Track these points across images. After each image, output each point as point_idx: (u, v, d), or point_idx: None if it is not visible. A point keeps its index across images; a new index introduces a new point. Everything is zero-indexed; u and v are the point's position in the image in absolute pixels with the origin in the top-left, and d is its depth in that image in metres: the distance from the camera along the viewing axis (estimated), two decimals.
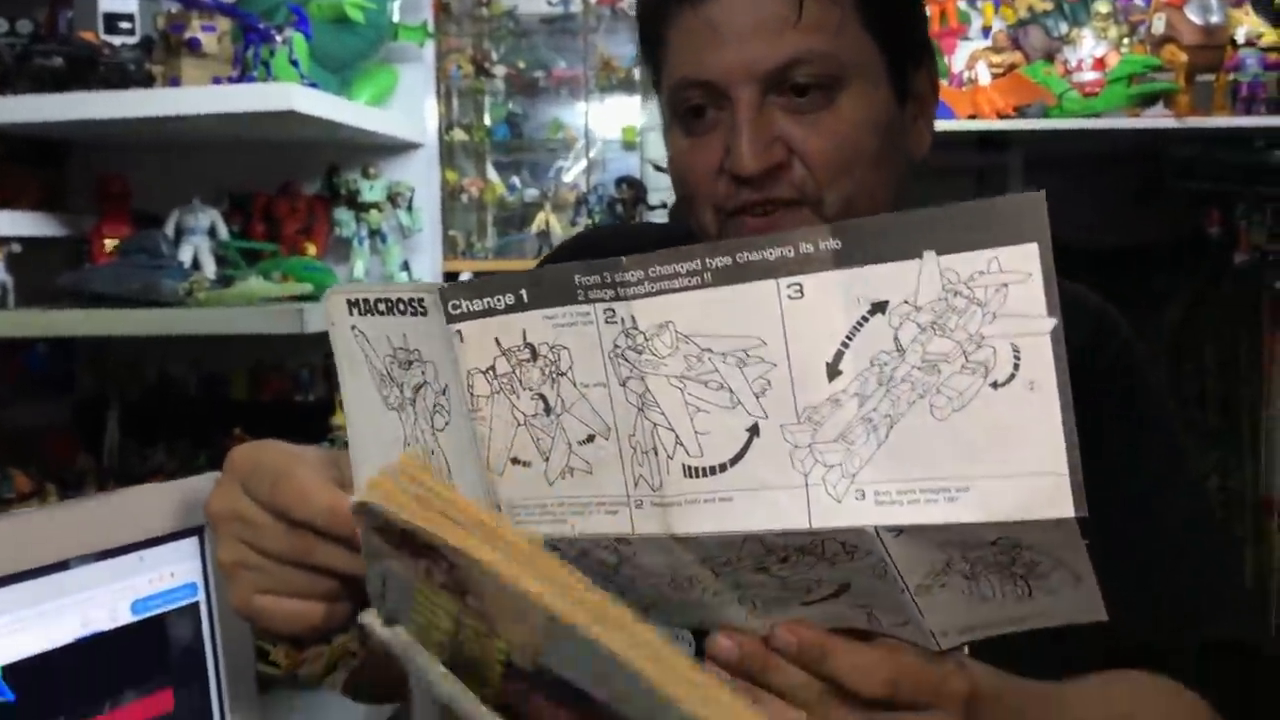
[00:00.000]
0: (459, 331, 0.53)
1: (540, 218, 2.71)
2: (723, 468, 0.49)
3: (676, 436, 0.50)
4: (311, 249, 2.04)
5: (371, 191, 2.05)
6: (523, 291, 0.51)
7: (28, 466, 1.90)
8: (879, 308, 0.46)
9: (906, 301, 0.45)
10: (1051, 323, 0.44)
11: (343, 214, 2.05)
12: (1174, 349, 2.64)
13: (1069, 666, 0.72)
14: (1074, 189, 2.63)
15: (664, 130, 0.89)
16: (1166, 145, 2.29)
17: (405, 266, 2.10)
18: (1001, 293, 0.44)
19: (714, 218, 0.84)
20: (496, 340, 0.53)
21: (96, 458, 2.10)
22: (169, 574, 0.71)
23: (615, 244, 1.07)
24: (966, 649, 0.58)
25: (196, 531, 0.73)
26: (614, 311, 0.49)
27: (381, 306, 0.55)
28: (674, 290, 0.48)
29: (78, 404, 2.24)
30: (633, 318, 0.49)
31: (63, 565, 0.65)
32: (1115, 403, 0.88)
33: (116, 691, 0.67)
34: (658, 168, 2.46)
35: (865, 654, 0.54)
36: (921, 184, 2.65)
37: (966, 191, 2.53)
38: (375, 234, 2.07)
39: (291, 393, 2.18)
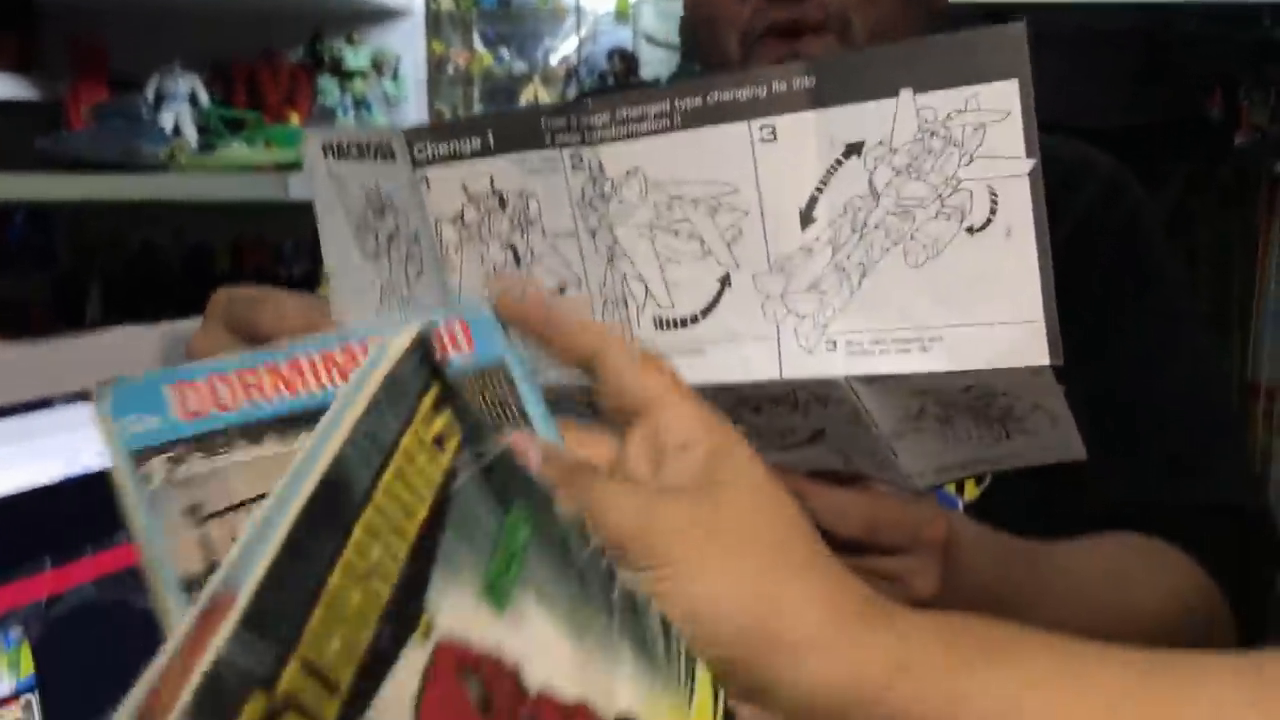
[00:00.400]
0: (425, 178, 0.51)
1: (529, 91, 2.65)
2: (694, 319, 0.48)
3: (646, 287, 0.48)
4: (295, 118, 2.00)
5: (356, 59, 2.00)
6: (489, 134, 0.49)
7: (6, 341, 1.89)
8: (854, 150, 0.44)
9: (881, 143, 0.43)
10: (1030, 164, 0.43)
11: (326, 82, 2.01)
12: (1168, 232, 2.63)
13: (1061, 532, 0.72)
14: (1075, 68, 2.59)
15: None
16: (1172, 21, 2.24)
17: None
18: (979, 133, 0.42)
19: (739, 44, 0.81)
20: (464, 187, 0.51)
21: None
22: None
23: None
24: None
25: None
26: (581, 157, 0.48)
27: (354, 151, 0.54)
28: (642, 134, 0.46)
29: (58, 278, 2.21)
30: (600, 164, 0.47)
31: (46, 403, 0.63)
32: (1123, 262, 0.87)
33: (101, 534, 0.66)
34: (651, 40, 2.40)
35: (842, 496, 0.54)
36: None
37: None
38: (360, 104, 2.03)
39: (275, 266, 2.16)
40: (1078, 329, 0.87)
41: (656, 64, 2.59)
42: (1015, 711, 0.34)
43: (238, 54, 2.01)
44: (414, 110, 2.11)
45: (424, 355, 0.26)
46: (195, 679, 0.20)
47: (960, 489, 0.79)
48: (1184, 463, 0.85)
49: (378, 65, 2.03)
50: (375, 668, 0.23)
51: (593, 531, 0.34)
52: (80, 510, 0.65)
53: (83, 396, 0.68)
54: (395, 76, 2.04)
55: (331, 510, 0.23)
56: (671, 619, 0.34)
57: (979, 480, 0.78)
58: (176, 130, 1.82)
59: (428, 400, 0.26)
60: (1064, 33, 2.39)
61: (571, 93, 2.56)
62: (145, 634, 0.67)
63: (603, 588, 0.31)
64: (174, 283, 2.19)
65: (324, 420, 0.24)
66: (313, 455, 0.23)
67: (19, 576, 0.61)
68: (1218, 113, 2.40)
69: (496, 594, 0.26)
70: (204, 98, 1.88)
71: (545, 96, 2.59)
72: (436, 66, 2.24)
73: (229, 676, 0.20)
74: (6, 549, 0.60)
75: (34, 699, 0.60)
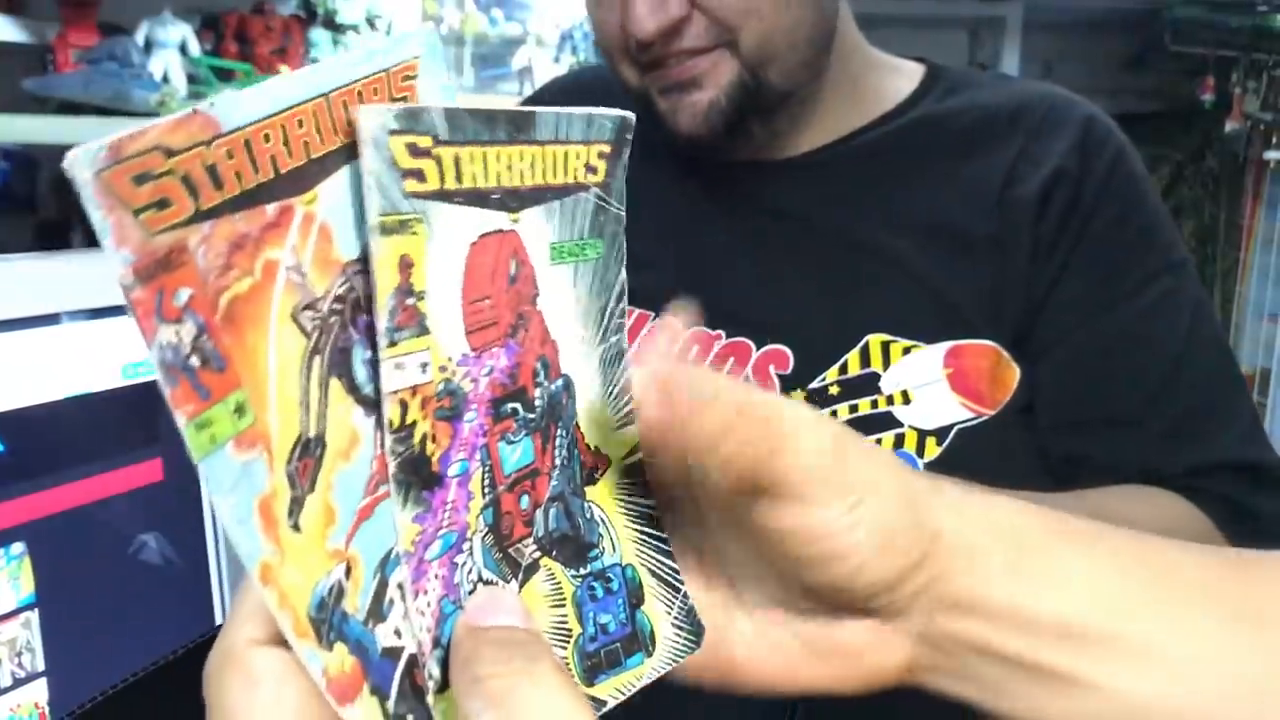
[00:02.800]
0: None
1: (522, 53, 2.63)
2: None
3: None
4: (286, 70, 1.97)
5: (350, 11, 1.97)
6: None
7: None
8: None
9: None
10: None
11: (319, 35, 1.98)
12: None
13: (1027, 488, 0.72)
14: (1069, 52, 2.59)
15: None
16: (1167, 6, 2.24)
17: None
18: None
19: (634, 72, 0.80)
20: None
21: None
22: None
23: (604, 90, 1.02)
24: None
25: None
26: None
27: None
28: None
29: (40, 224, 2.18)
30: None
31: (54, 319, 0.62)
32: (1109, 226, 0.84)
33: (107, 454, 0.65)
34: None
35: None
36: (915, 34, 2.62)
37: (959, 46, 2.47)
38: None
39: None
40: (1069, 284, 0.84)
41: None
42: (1106, 596, 0.34)
43: (228, 4, 1.98)
44: None
45: (619, 125, 0.35)
46: (402, 107, 0.29)
47: (921, 449, 0.77)
48: (1191, 424, 0.83)
49: (370, 20, 2.00)
50: (480, 199, 0.31)
51: (765, 459, 0.32)
52: (87, 430, 0.64)
53: (92, 315, 0.67)
54: (388, 33, 2.02)
55: (522, 125, 0.32)
56: (857, 549, 0.33)
57: (940, 438, 0.77)
58: (165, 79, 1.79)
59: (600, 146, 0.34)
60: (1055, 18, 2.39)
61: (565, 57, 2.54)
62: (150, 555, 0.66)
63: (605, 338, 0.36)
64: None
65: None
66: (338, 79, 0.30)
67: (20, 494, 0.60)
68: (1210, 100, 2.41)
69: (556, 252, 0.34)
70: (194, 47, 1.85)
71: (541, 59, 2.57)
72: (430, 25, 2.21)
73: (426, 120, 0.30)
74: (12, 464, 0.59)
75: (34, 616, 0.59)
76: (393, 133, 0.29)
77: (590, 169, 0.34)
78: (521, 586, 0.33)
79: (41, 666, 0.60)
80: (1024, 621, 0.34)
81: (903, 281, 0.80)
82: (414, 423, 0.30)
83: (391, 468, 0.30)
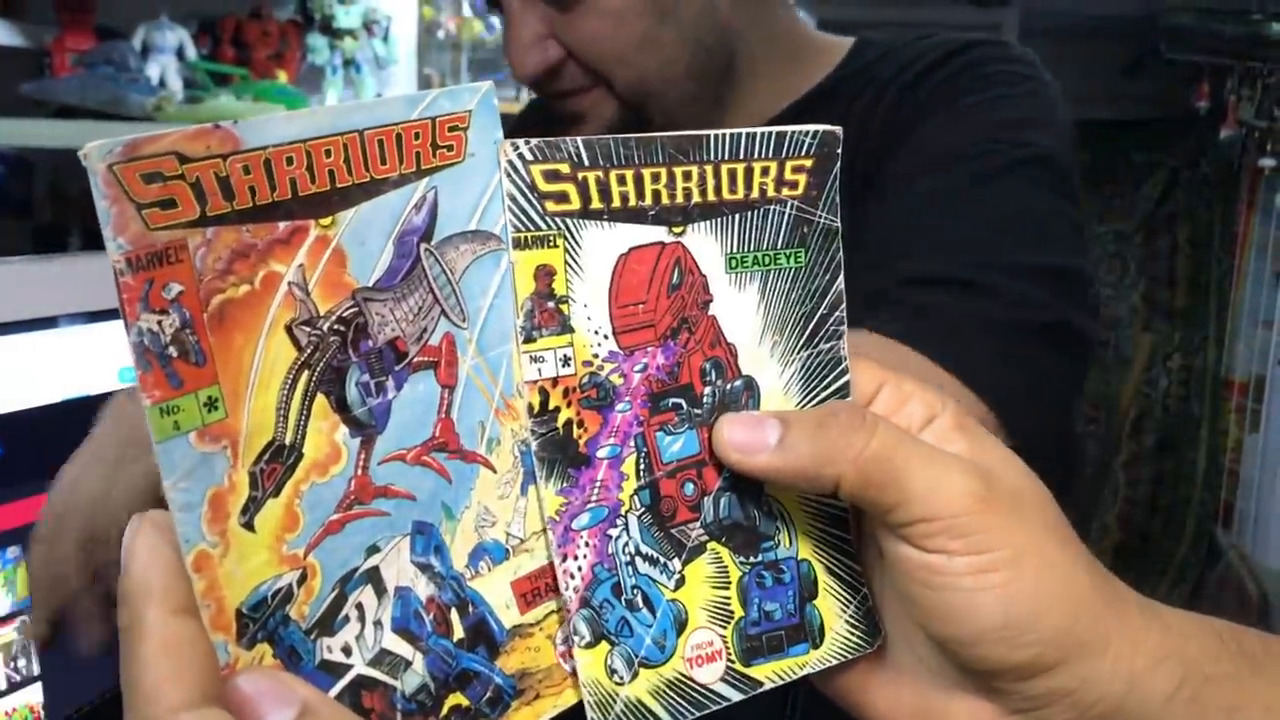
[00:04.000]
0: None
1: None
2: None
3: None
4: (283, 76, 1.97)
5: (347, 17, 1.98)
6: None
7: None
8: None
9: None
10: None
11: (316, 40, 1.98)
12: (1148, 226, 2.65)
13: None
14: (1064, 59, 2.60)
15: None
16: (1163, 13, 2.25)
17: None
18: None
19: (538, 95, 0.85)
20: None
21: None
22: None
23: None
24: None
25: None
26: None
27: None
28: None
29: (37, 228, 2.17)
30: None
31: (50, 322, 0.62)
32: (957, 96, 0.78)
33: None
34: None
35: None
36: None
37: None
38: (349, 63, 2.01)
39: None
40: (917, 136, 0.77)
41: None
42: None
43: (226, 8, 1.98)
44: (404, 73, 2.09)
45: (822, 140, 0.37)
46: (539, 140, 0.33)
47: None
48: (1003, 230, 0.73)
49: (368, 26, 2.01)
50: (634, 216, 0.34)
51: (901, 504, 0.33)
52: (83, 433, 0.64)
53: (87, 317, 0.67)
54: (386, 38, 2.02)
55: (687, 147, 0.35)
56: (972, 613, 0.32)
57: None
58: (162, 83, 1.80)
59: (798, 161, 0.37)
60: (1051, 23, 2.40)
61: None
62: None
63: (814, 344, 0.38)
64: None
65: None
66: (381, 119, 0.31)
67: (17, 497, 0.60)
68: (1205, 107, 2.41)
69: (734, 262, 0.36)
70: (191, 52, 1.85)
71: None
72: (427, 30, 2.22)
73: (566, 150, 0.34)
74: (8, 468, 0.59)
75: (29, 619, 0.59)
76: (529, 162, 0.33)
77: (787, 184, 0.36)
78: (685, 565, 0.36)
79: (36, 671, 0.60)
80: None
81: None
82: (556, 409, 0.34)
83: (534, 447, 0.33)
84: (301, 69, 2.01)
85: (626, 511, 0.35)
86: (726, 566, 0.36)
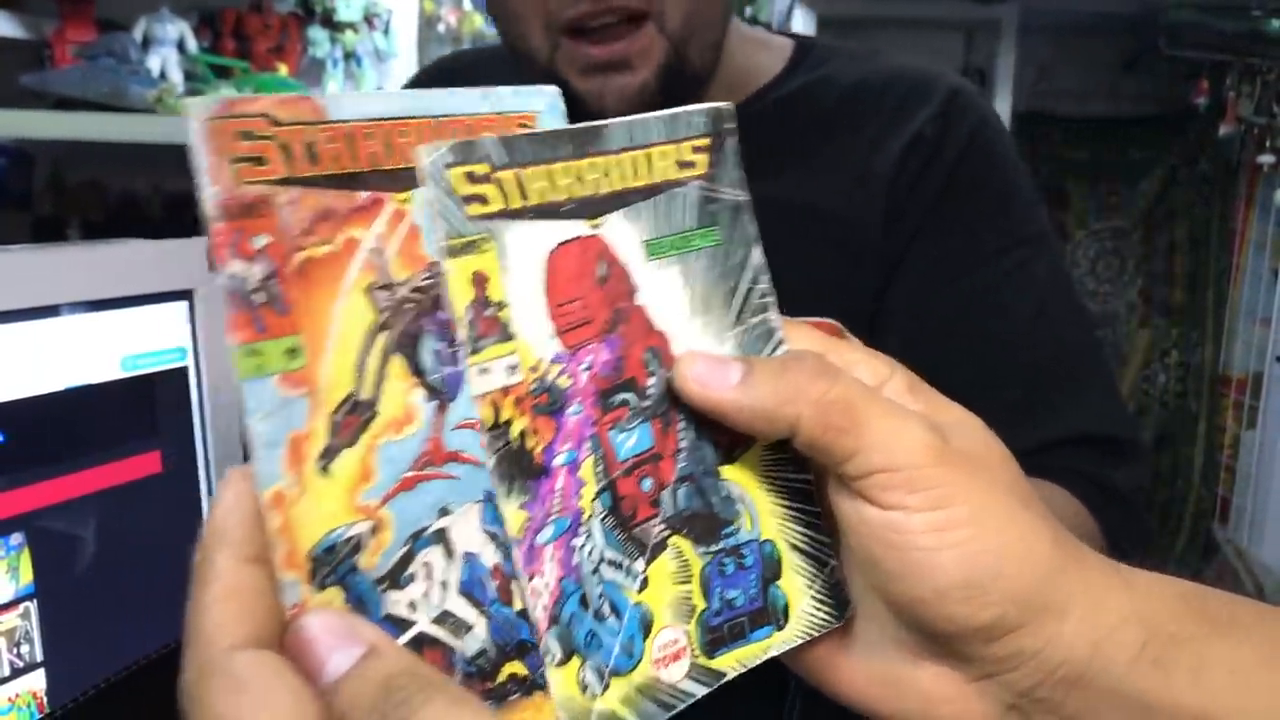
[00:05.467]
0: None
1: None
2: None
3: None
4: (283, 69, 1.97)
5: (348, 10, 1.98)
6: None
7: None
8: None
9: None
10: None
11: (317, 33, 1.98)
12: (1146, 223, 2.65)
13: None
14: (1064, 56, 2.60)
15: None
16: (1162, 9, 2.25)
17: None
18: None
19: (545, 38, 0.76)
20: None
21: None
22: (158, 335, 0.69)
23: (479, 70, 0.99)
24: None
25: (185, 295, 0.71)
26: None
27: None
28: None
29: (35, 222, 2.18)
30: None
31: (53, 310, 0.62)
32: (965, 193, 0.82)
33: (106, 446, 0.65)
34: None
35: None
36: (909, 36, 2.61)
37: (955, 48, 2.48)
38: (350, 56, 2.01)
39: None
40: (921, 250, 0.81)
41: None
42: (1248, 688, 0.31)
43: (227, 2, 1.98)
44: (404, 67, 2.09)
45: (712, 117, 0.36)
46: (454, 140, 0.32)
47: None
48: (1042, 397, 0.79)
49: (369, 19, 2.01)
50: (551, 212, 0.33)
51: (859, 452, 0.32)
52: (85, 421, 0.64)
53: (90, 306, 0.67)
54: (386, 31, 2.02)
55: (590, 139, 0.34)
56: (931, 572, 0.32)
57: None
58: (163, 75, 1.80)
59: (694, 141, 0.36)
60: (1051, 20, 2.40)
61: None
62: (143, 548, 0.67)
63: (742, 319, 0.37)
64: (153, 234, 2.16)
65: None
66: (454, 107, 0.34)
67: (19, 485, 0.60)
68: (1204, 103, 2.41)
69: (653, 249, 0.35)
70: (192, 44, 1.85)
71: None
72: (427, 23, 2.22)
73: (483, 149, 0.32)
74: (11, 455, 0.59)
75: (32, 606, 0.60)
76: (449, 165, 0.31)
77: (685, 164, 0.36)
78: (649, 564, 0.35)
79: (40, 657, 0.61)
80: (1162, 711, 0.32)
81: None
82: (509, 420, 0.32)
83: (491, 464, 0.32)
84: (302, 62, 2.01)
85: (588, 518, 0.34)
86: (688, 559, 0.36)
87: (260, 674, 0.27)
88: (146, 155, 1.89)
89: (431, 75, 1.05)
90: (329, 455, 0.30)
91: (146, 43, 1.79)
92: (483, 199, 0.32)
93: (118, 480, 0.66)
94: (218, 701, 0.27)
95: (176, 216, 2.19)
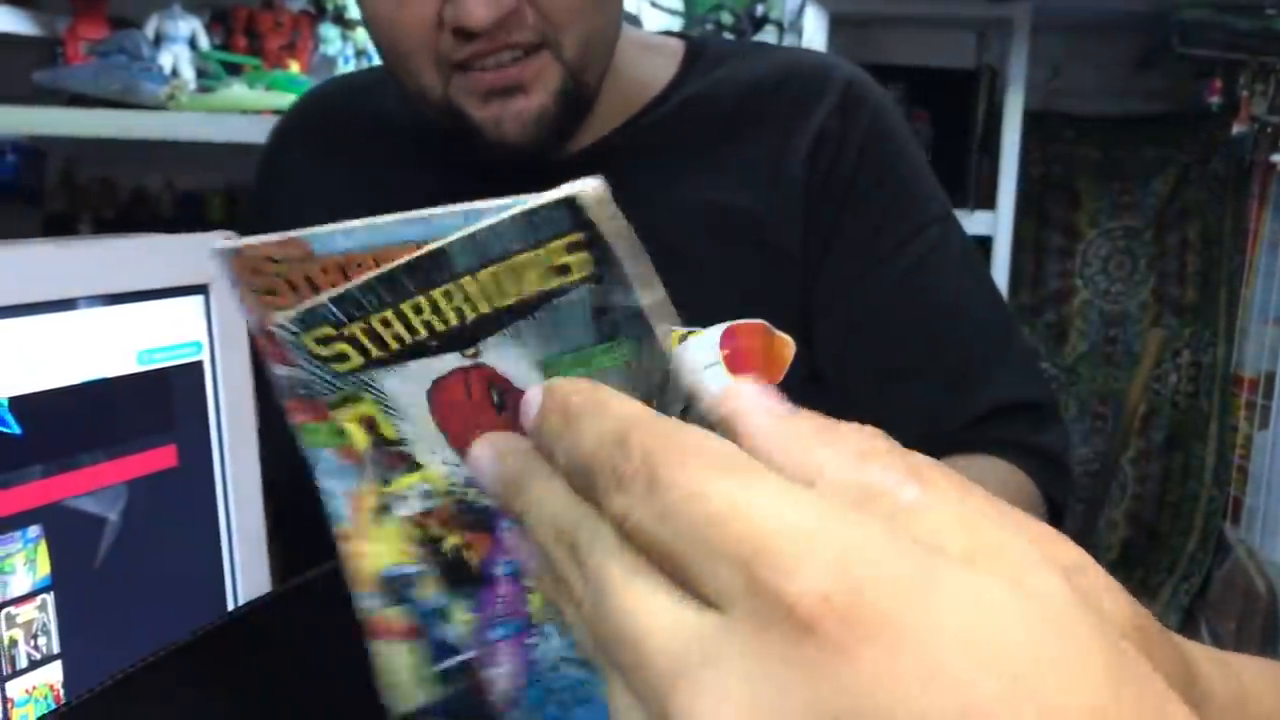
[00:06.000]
0: None
1: None
2: None
3: None
4: (295, 66, 1.97)
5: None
6: None
7: None
8: None
9: None
10: None
11: (329, 30, 1.98)
12: (1158, 222, 2.64)
13: None
14: (1077, 54, 2.59)
15: None
16: (1176, 8, 2.25)
17: None
18: None
19: (437, 75, 0.77)
20: None
21: None
22: (173, 329, 0.69)
23: (370, 96, 0.97)
24: None
25: (201, 290, 0.71)
26: None
27: None
28: None
29: (47, 219, 2.18)
30: None
31: (70, 304, 0.62)
32: (870, 187, 0.85)
33: (122, 439, 0.65)
34: (655, 4, 2.39)
35: None
36: (921, 34, 2.59)
37: (966, 47, 2.48)
38: (361, 54, 2.01)
39: None
40: (838, 246, 0.84)
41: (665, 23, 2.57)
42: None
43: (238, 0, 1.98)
44: None
45: (574, 208, 0.28)
46: (296, 310, 0.31)
47: None
48: (966, 373, 0.83)
49: None
50: (419, 351, 0.31)
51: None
52: (102, 415, 0.64)
53: (108, 301, 0.67)
54: None
55: (430, 269, 0.29)
56: None
57: None
58: (174, 72, 1.80)
59: (564, 240, 0.28)
60: (1063, 18, 2.39)
61: None
62: (159, 541, 0.67)
63: None
64: (164, 230, 2.17)
65: (457, 221, 0.29)
66: (436, 231, 0.30)
67: (36, 478, 0.60)
68: (1218, 102, 2.40)
69: (551, 369, 0.30)
70: (204, 41, 1.86)
71: None
72: None
73: (321, 312, 0.31)
74: (28, 448, 0.59)
75: (50, 599, 0.60)
76: (296, 334, 0.32)
77: (560, 269, 0.29)
78: None
79: (57, 649, 0.61)
80: None
81: (682, 270, 0.80)
82: (440, 537, 0.34)
83: (435, 576, 0.34)
84: (314, 59, 2.01)
85: (538, 621, 0.33)
86: None
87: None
88: (158, 152, 1.89)
89: (317, 102, 1.03)
90: (382, 511, 0.34)
91: (158, 40, 1.80)
92: (342, 357, 0.32)
93: (134, 474, 0.66)
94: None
95: (187, 213, 2.19)
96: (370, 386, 0.32)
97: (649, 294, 0.29)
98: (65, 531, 0.61)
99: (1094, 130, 2.61)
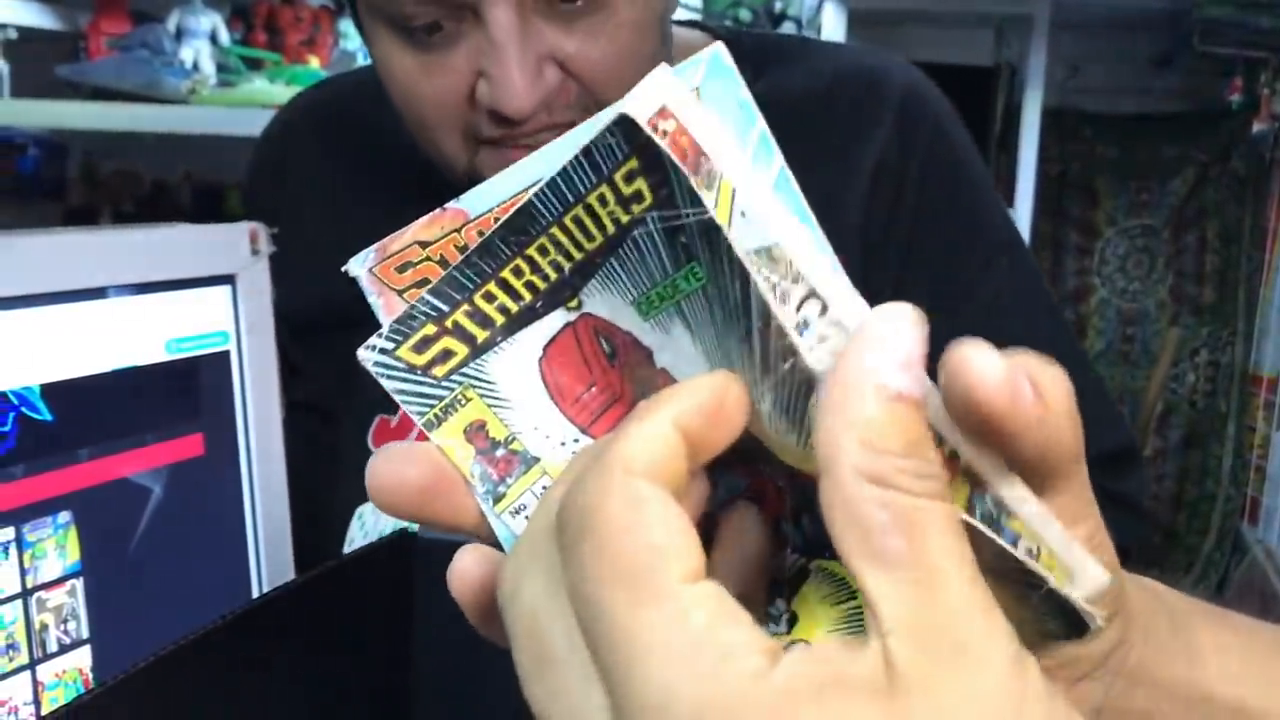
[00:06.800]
0: None
1: None
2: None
3: None
4: (315, 61, 1.98)
5: None
6: None
7: None
8: None
9: None
10: None
11: (348, 25, 1.99)
12: (1176, 221, 2.63)
13: None
14: (1096, 52, 2.58)
15: (366, 37, 0.72)
16: (1196, 5, 2.24)
17: None
18: None
19: (463, 149, 0.71)
20: None
21: None
22: (201, 319, 0.70)
23: (362, 106, 0.90)
24: None
25: (229, 280, 0.72)
26: None
27: None
28: None
29: (68, 212, 2.20)
30: None
31: (100, 292, 0.63)
32: (936, 220, 0.79)
33: (150, 427, 0.66)
34: None
35: None
36: (940, 32, 2.59)
37: (985, 44, 2.47)
38: None
39: None
40: (907, 293, 0.81)
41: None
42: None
43: None
44: None
45: (626, 133, 0.27)
46: (398, 312, 0.30)
47: None
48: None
49: None
50: (527, 317, 0.30)
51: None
52: (131, 402, 0.65)
53: (138, 290, 0.68)
54: None
55: (518, 230, 0.29)
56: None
57: None
58: (196, 67, 1.81)
59: (623, 169, 0.28)
60: (1083, 15, 2.38)
61: None
62: (186, 528, 0.67)
63: (770, 367, 0.28)
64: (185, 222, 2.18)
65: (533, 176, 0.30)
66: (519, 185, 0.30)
67: (67, 464, 0.61)
68: (1238, 100, 2.40)
69: (644, 307, 0.30)
70: (224, 36, 1.87)
71: None
72: None
73: (419, 312, 0.30)
74: (59, 434, 0.60)
75: (79, 584, 0.61)
76: (389, 350, 0.30)
77: (631, 199, 0.28)
78: (790, 601, 0.33)
79: (86, 634, 0.61)
80: (1196, 696, 0.32)
81: None
82: None
83: None
84: (334, 54, 2.02)
85: None
86: (842, 576, 0.32)
87: (659, 496, 0.24)
88: (179, 146, 1.91)
89: (301, 111, 1.00)
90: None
91: (179, 35, 1.81)
92: (446, 355, 0.30)
93: (161, 461, 0.66)
94: (615, 513, 0.24)
95: (206, 206, 2.20)
96: (477, 380, 0.30)
97: (708, 207, 0.27)
98: (94, 517, 0.62)
99: (1112, 128, 2.60)
